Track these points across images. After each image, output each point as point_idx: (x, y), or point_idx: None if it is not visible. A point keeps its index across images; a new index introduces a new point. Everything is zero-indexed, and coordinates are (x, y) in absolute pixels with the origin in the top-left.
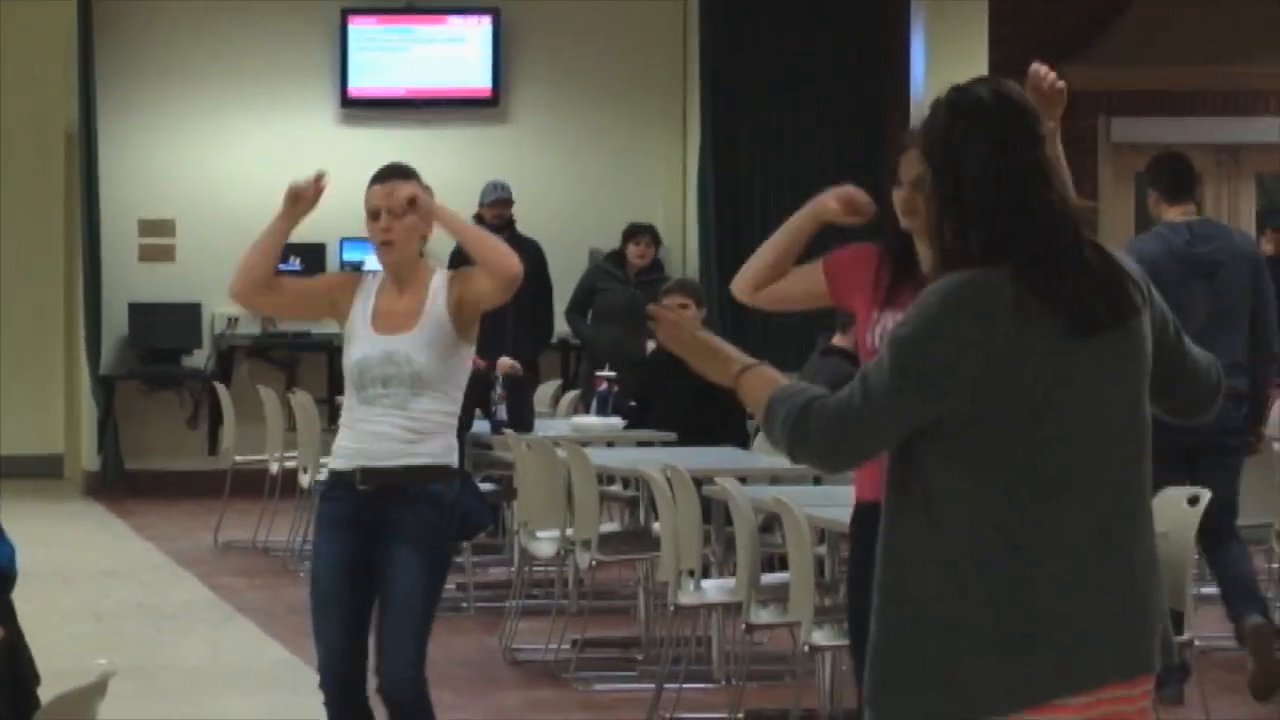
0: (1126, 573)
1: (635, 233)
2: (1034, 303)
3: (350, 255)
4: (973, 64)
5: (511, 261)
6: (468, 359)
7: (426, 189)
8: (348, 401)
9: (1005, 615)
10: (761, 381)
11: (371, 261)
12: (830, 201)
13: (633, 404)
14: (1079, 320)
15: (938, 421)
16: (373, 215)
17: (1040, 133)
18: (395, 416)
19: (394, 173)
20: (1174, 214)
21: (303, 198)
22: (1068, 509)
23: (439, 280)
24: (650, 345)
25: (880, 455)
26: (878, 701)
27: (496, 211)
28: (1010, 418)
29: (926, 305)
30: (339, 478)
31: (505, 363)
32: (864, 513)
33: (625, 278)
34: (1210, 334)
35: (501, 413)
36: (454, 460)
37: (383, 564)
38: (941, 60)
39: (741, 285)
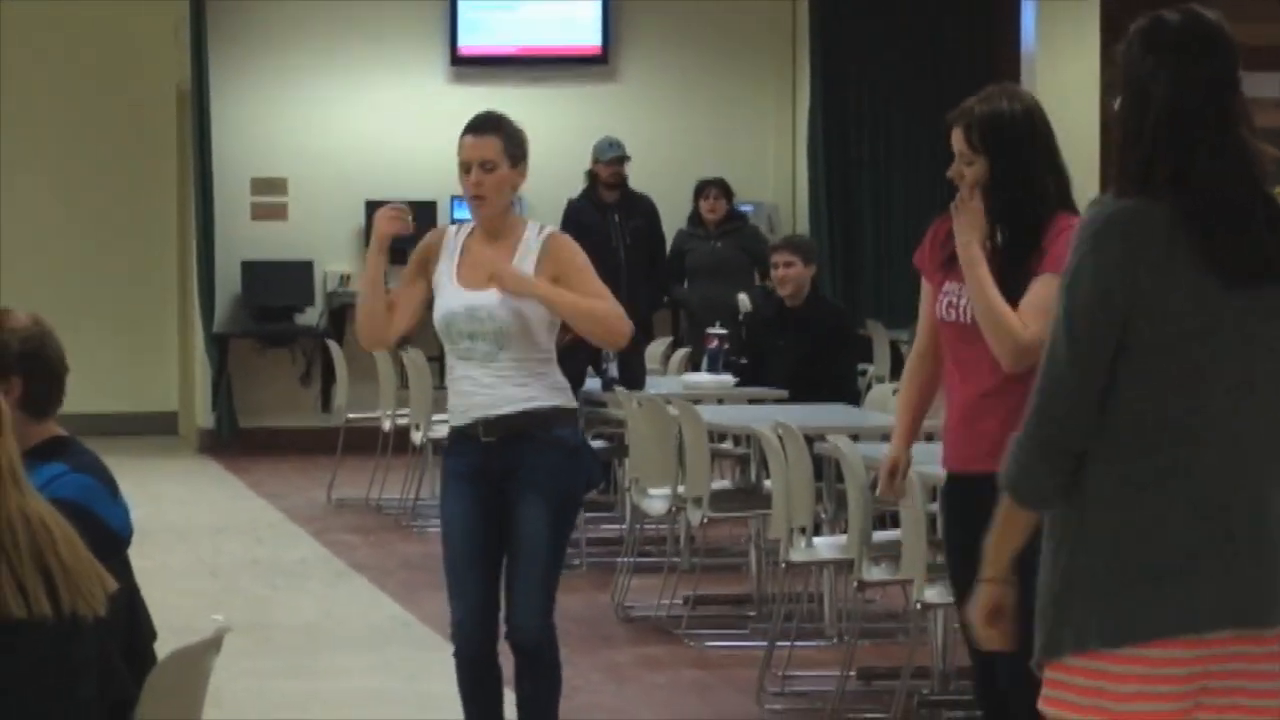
0: (1255, 525)
1: (703, 188)
2: (1186, 242)
3: (461, 213)
4: (1084, 22)
5: (623, 330)
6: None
7: (519, 136)
8: (447, 358)
9: (1117, 553)
10: None
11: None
12: None
13: (744, 361)
14: (1230, 268)
15: None
16: (464, 168)
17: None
18: (491, 368)
19: (483, 124)
20: None
21: (390, 227)
22: (1196, 454)
23: (531, 234)
24: (742, 297)
25: (1079, 416)
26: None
27: (613, 170)
28: (1149, 355)
29: (1080, 243)
30: (461, 433)
31: None
32: (948, 482)
33: (707, 234)
34: None
35: (613, 371)
36: (569, 399)
37: (510, 512)
38: (1052, 18)
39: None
